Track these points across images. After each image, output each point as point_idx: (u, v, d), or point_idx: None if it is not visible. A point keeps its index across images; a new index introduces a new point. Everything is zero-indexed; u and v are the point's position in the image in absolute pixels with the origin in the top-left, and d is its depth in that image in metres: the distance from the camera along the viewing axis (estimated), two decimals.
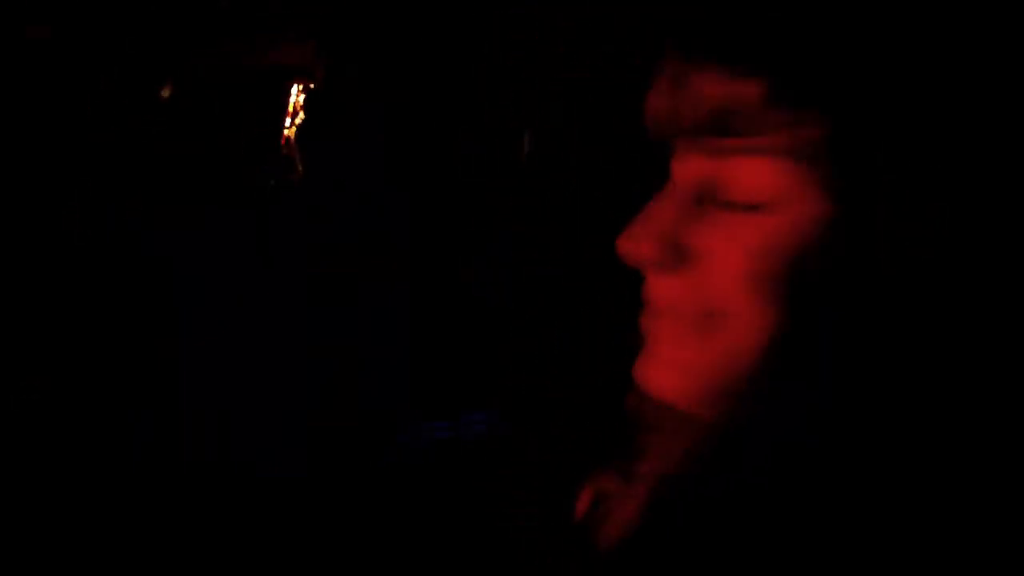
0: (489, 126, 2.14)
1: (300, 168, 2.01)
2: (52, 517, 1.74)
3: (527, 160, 2.06)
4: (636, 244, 0.60)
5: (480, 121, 2.12)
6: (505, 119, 2.22)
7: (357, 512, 1.81)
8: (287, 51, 2.02)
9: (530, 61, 2.18)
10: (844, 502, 0.66)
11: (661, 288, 0.61)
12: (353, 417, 1.95)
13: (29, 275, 1.88)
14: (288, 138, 2.01)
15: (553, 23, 2.16)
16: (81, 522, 1.75)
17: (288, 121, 2.00)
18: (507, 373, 1.96)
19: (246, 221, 1.99)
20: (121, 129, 1.94)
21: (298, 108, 2.01)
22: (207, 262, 1.97)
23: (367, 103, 2.09)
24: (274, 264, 2.02)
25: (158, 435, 1.86)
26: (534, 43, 2.20)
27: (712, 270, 0.59)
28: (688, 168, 0.60)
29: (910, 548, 0.64)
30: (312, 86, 2.02)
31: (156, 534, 1.74)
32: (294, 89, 2.01)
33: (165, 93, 1.93)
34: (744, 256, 0.57)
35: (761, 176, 0.57)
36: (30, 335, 1.86)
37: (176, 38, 1.97)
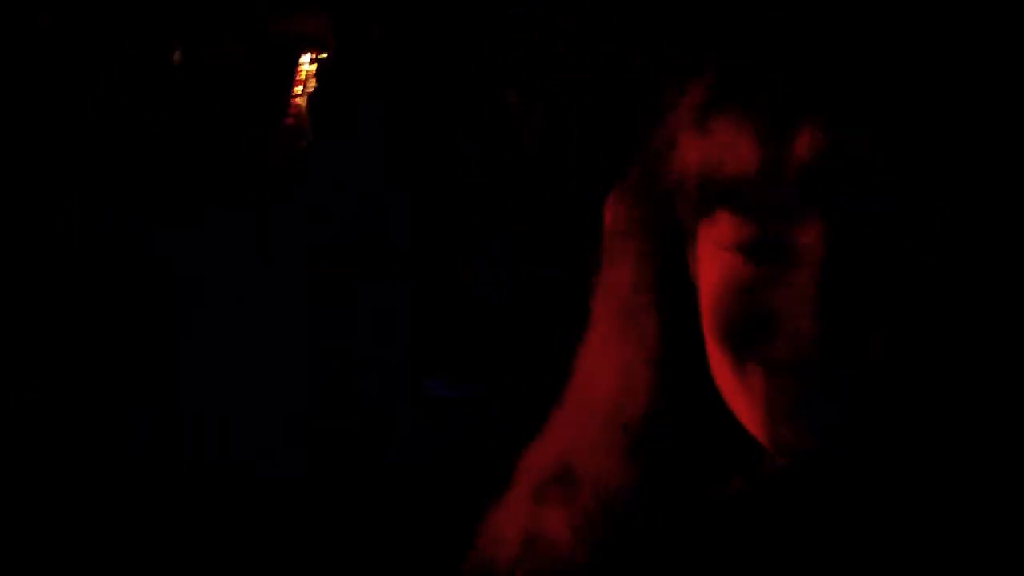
0: (489, 126, 2.14)
1: (310, 137, 2.00)
2: (52, 517, 1.74)
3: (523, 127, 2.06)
4: None
5: (480, 121, 2.12)
6: (505, 119, 2.22)
7: (357, 512, 1.81)
8: (300, 20, 2.01)
9: (530, 61, 2.18)
10: (840, 502, 0.67)
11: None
12: (353, 417, 1.95)
13: (29, 275, 1.88)
14: (298, 106, 2.00)
15: (553, 23, 2.16)
16: (81, 522, 1.75)
17: (300, 88, 1.99)
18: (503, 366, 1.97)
19: (246, 221, 1.99)
20: (121, 129, 1.94)
21: (309, 76, 2.00)
22: (207, 262, 1.97)
23: (367, 103, 2.09)
24: (274, 264, 2.02)
25: (158, 435, 1.86)
26: (534, 43, 2.20)
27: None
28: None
29: (910, 545, 0.65)
30: (325, 56, 2.01)
31: (156, 534, 1.74)
32: (306, 58, 2.01)
33: (176, 57, 1.93)
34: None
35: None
36: (30, 335, 1.86)
37: (178, 29, 1.97)
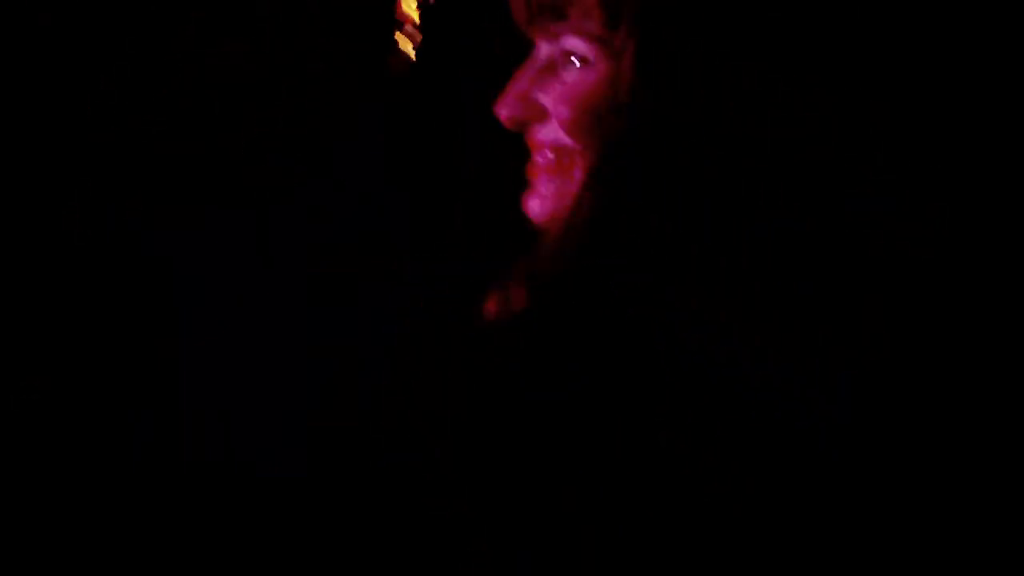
0: (490, 126, 2.13)
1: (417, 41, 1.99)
2: (52, 517, 1.74)
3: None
4: (503, 108, 0.80)
5: (481, 120, 2.12)
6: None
7: (357, 512, 1.81)
8: None
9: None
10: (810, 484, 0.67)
11: (532, 138, 0.81)
12: (353, 417, 1.95)
13: (29, 275, 1.88)
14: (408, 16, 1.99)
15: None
16: (81, 522, 1.75)
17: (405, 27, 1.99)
18: None
19: (246, 221, 1.99)
20: (121, 129, 1.95)
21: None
22: (207, 262, 1.97)
23: (367, 103, 2.09)
24: (274, 264, 2.02)
25: (158, 435, 1.86)
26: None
27: (556, 119, 0.78)
28: (540, 48, 0.81)
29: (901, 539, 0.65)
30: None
31: (156, 534, 1.74)
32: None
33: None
34: (569, 106, 0.77)
35: (578, 47, 0.77)
36: (30, 335, 1.86)
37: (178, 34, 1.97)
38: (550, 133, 0.80)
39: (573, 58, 0.78)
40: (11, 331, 1.86)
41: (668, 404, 0.72)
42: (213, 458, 1.87)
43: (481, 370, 0.80)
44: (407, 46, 2.08)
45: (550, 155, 0.80)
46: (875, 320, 0.65)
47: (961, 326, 0.66)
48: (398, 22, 2.07)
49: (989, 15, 0.68)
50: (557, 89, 0.79)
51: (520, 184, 0.88)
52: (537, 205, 0.82)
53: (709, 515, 0.69)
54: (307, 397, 1.97)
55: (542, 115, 0.81)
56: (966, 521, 0.67)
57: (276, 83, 2.05)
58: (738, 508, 0.68)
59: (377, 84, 2.09)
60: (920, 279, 0.66)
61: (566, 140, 0.79)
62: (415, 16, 2.08)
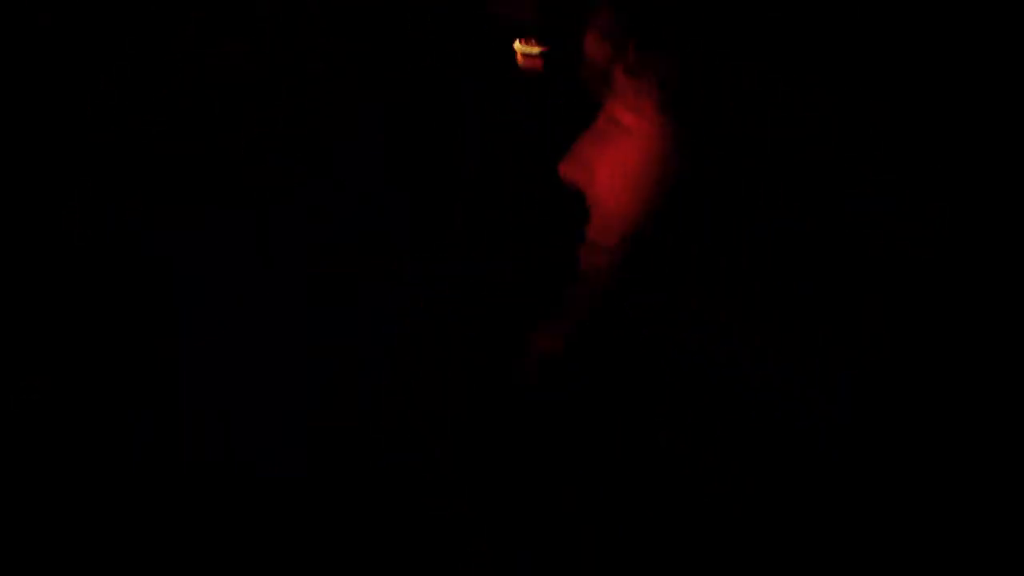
0: (491, 125, 2.14)
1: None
2: (52, 517, 1.75)
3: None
4: (567, 169, 0.85)
5: (482, 120, 2.13)
6: (507, 118, 2.23)
7: (357, 512, 1.82)
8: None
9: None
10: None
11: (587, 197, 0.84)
12: (353, 417, 1.95)
13: (29, 275, 1.89)
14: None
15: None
16: (81, 522, 1.75)
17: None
18: None
19: (246, 221, 2.00)
20: (121, 129, 1.95)
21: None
22: (207, 262, 1.97)
23: (367, 103, 2.09)
24: (274, 264, 2.03)
25: (157, 435, 1.86)
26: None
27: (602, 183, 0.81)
28: (601, 112, 0.84)
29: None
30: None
31: (155, 534, 1.74)
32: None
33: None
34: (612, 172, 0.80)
35: (623, 117, 0.80)
36: (30, 335, 1.86)
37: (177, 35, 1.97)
38: (600, 195, 0.85)
39: (621, 124, 0.83)
40: (11, 331, 1.86)
41: (668, 404, 0.73)
42: (213, 458, 1.87)
43: (481, 370, 0.81)
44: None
45: (599, 214, 0.85)
46: (875, 320, 0.66)
47: (960, 325, 0.66)
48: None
49: (989, 15, 0.68)
50: (607, 153, 0.84)
51: (520, 182, 0.91)
52: (590, 256, 0.86)
53: (709, 515, 0.69)
54: (307, 396, 1.97)
55: (592, 176, 0.86)
56: (965, 519, 0.67)
57: (276, 83, 2.05)
58: (738, 508, 0.68)
59: (377, 84, 2.10)
60: (920, 279, 0.66)
61: (605, 203, 0.84)
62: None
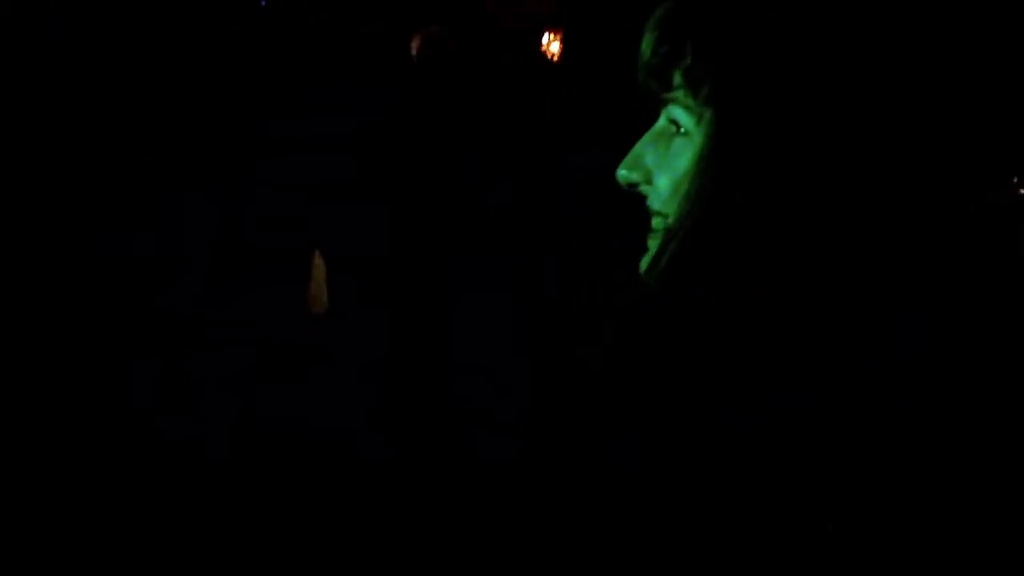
0: (483, 137, 2.14)
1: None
2: (52, 517, 1.74)
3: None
4: (622, 169, 0.83)
5: (476, 132, 2.12)
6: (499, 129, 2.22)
7: (357, 511, 1.82)
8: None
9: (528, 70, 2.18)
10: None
11: (643, 202, 0.84)
12: (354, 416, 1.95)
13: (29, 275, 1.88)
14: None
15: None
16: (81, 522, 1.75)
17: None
18: None
19: (242, 220, 2.00)
20: (121, 129, 1.95)
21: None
22: (201, 262, 1.98)
23: (368, 102, 2.09)
24: (268, 263, 2.03)
25: (158, 434, 1.86)
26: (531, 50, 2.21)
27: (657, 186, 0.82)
28: (660, 113, 0.84)
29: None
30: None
31: (156, 533, 1.74)
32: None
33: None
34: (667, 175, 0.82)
35: (680, 118, 0.80)
36: (30, 335, 1.86)
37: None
38: (655, 198, 0.83)
39: (679, 127, 0.81)
40: (11, 331, 1.86)
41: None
42: (213, 458, 1.88)
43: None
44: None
45: (660, 220, 0.83)
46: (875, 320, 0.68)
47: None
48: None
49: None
50: (663, 156, 0.83)
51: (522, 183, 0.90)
52: (646, 263, 0.83)
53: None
54: (306, 396, 1.97)
55: (649, 180, 0.84)
56: (963, 519, 0.69)
57: (273, 82, 2.05)
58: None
59: (377, 83, 2.10)
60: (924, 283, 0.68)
61: (663, 207, 0.82)
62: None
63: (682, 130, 0.81)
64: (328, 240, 2.07)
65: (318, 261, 2.04)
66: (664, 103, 0.82)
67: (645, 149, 0.84)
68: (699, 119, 0.79)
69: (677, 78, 0.79)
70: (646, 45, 0.81)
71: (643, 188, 0.83)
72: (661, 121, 0.83)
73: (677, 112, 0.80)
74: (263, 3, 1.99)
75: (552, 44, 2.06)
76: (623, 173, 0.84)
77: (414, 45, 2.02)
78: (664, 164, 0.82)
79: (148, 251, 1.97)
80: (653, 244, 0.81)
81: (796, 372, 0.70)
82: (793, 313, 0.71)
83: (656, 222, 0.83)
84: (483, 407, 1.85)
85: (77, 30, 1.98)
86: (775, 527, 0.69)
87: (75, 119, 1.99)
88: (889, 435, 0.67)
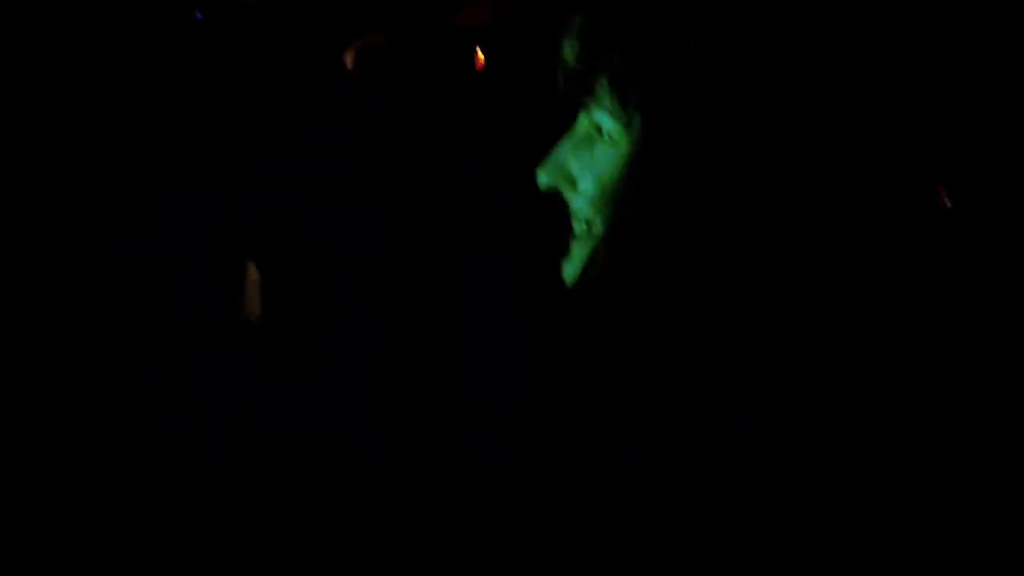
0: (485, 138, 2.15)
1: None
2: (52, 517, 1.75)
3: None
4: (543, 174, 0.84)
5: (476, 134, 2.13)
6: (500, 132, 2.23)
7: (356, 511, 1.82)
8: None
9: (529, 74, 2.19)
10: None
11: (565, 206, 0.84)
12: (353, 416, 1.96)
13: (29, 275, 1.89)
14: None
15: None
16: (81, 522, 1.75)
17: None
18: None
19: (241, 220, 2.00)
20: (121, 129, 1.95)
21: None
22: (201, 264, 1.98)
23: (368, 101, 2.09)
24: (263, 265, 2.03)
25: (158, 434, 1.86)
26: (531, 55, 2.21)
27: (583, 191, 0.82)
28: (580, 118, 0.83)
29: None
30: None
31: (154, 534, 1.75)
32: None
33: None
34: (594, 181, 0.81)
35: (605, 123, 0.80)
36: (30, 335, 1.86)
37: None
38: (579, 203, 0.83)
39: (603, 133, 0.81)
40: (11, 331, 1.86)
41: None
42: (213, 458, 1.88)
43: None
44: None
45: (581, 225, 0.84)
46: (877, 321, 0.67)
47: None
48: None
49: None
50: (587, 162, 0.82)
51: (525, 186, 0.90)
52: (571, 268, 0.84)
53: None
54: (306, 396, 1.97)
55: (573, 184, 0.84)
56: (961, 519, 0.69)
57: (270, 82, 2.05)
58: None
59: (377, 83, 2.10)
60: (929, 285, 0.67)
61: (588, 213, 0.83)
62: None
63: (605, 136, 0.80)
64: (328, 240, 2.07)
65: (252, 270, 2.03)
66: (584, 107, 0.81)
67: (566, 154, 0.83)
68: (627, 125, 0.79)
69: (602, 84, 0.79)
70: (568, 52, 0.80)
71: (566, 194, 0.82)
72: (582, 125, 0.83)
73: (601, 117, 0.80)
74: (199, 16, 1.99)
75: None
76: (544, 179, 0.84)
77: (348, 60, 2.02)
78: (589, 170, 0.82)
79: (148, 251, 1.97)
80: (577, 249, 0.81)
81: (796, 372, 0.70)
82: (793, 313, 0.71)
83: (579, 227, 0.83)
84: (483, 407, 1.84)
85: (77, 30, 1.98)
86: (775, 527, 0.69)
87: (75, 119, 1.99)
88: (889, 435, 0.67)
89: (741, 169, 0.75)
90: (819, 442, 0.70)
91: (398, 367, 2.02)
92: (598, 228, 0.81)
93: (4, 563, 1.69)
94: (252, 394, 1.96)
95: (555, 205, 0.85)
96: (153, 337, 1.95)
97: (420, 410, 1.96)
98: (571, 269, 0.84)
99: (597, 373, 0.85)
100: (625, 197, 0.78)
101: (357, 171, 2.05)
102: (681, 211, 0.77)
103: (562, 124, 0.84)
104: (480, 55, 2.07)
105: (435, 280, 2.04)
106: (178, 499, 1.80)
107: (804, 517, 0.71)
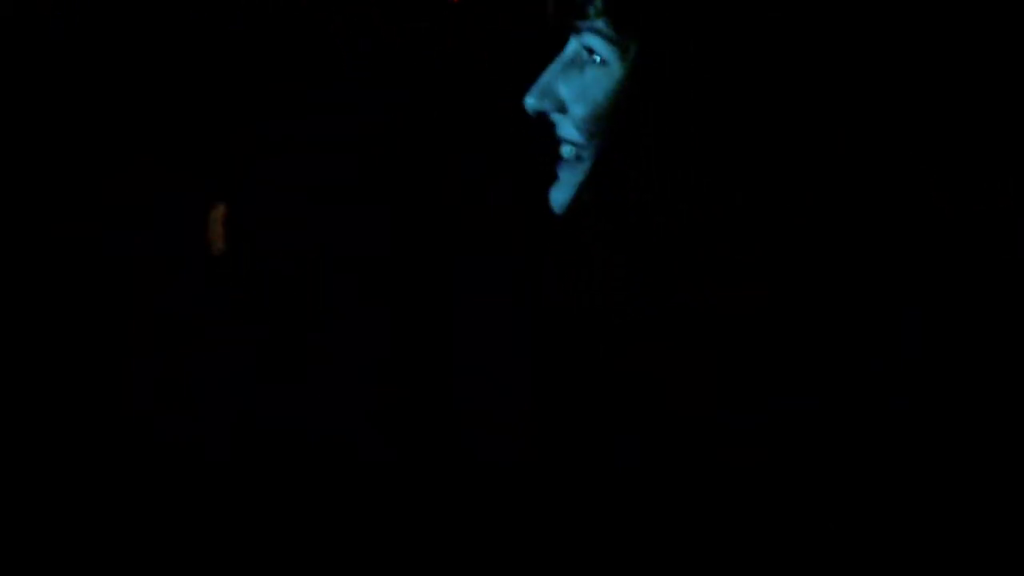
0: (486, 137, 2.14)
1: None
2: (52, 517, 1.75)
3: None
4: (530, 98, 0.82)
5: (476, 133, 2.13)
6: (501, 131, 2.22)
7: (356, 511, 1.82)
8: None
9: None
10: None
11: (554, 132, 0.83)
12: (353, 415, 1.96)
13: (29, 275, 1.88)
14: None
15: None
16: (81, 522, 1.75)
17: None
18: None
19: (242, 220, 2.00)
20: (121, 129, 1.95)
21: None
22: (200, 265, 1.98)
23: (368, 102, 2.09)
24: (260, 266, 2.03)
25: (158, 434, 1.86)
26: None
27: (573, 115, 0.81)
28: (568, 43, 0.82)
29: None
30: None
31: (157, 534, 1.75)
32: None
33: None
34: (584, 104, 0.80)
35: (597, 46, 0.79)
36: (29, 335, 1.86)
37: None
38: (569, 128, 0.82)
39: (594, 56, 0.80)
40: (10, 331, 1.86)
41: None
42: (214, 458, 1.88)
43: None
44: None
45: (570, 149, 0.83)
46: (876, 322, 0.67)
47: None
48: None
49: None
50: (577, 85, 0.81)
51: (534, 176, 0.89)
52: (560, 195, 0.83)
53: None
54: (306, 396, 1.97)
55: (562, 109, 0.82)
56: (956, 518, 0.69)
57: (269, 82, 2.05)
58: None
59: (377, 83, 2.10)
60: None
61: (579, 137, 0.81)
62: None
63: (597, 59, 0.80)
64: (328, 240, 2.07)
65: (218, 206, 2.02)
66: (575, 30, 0.81)
67: (555, 77, 0.82)
68: (622, 50, 0.78)
69: (596, 5, 0.78)
70: None
71: (554, 116, 0.82)
72: (571, 48, 0.82)
73: (593, 40, 0.79)
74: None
75: None
76: (531, 102, 0.82)
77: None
78: (579, 93, 0.80)
79: (148, 251, 1.97)
80: (566, 175, 0.81)
81: (796, 372, 0.70)
82: (793, 313, 0.71)
83: (566, 150, 0.82)
84: (483, 407, 1.84)
85: (77, 30, 1.98)
86: (775, 527, 0.69)
87: (75, 119, 1.99)
88: (889, 435, 0.67)
89: (741, 169, 0.74)
90: (819, 442, 0.70)
91: (398, 367, 2.02)
92: (588, 153, 0.80)
93: (4, 563, 1.68)
94: (252, 394, 1.96)
95: (543, 131, 0.84)
96: (153, 337, 1.95)
97: (420, 410, 1.96)
98: (560, 196, 0.83)
99: (597, 373, 0.84)
100: (617, 120, 0.77)
101: (357, 171, 2.05)
102: (681, 210, 0.77)
103: (551, 50, 0.83)
104: None
105: (435, 280, 2.04)
106: (178, 498, 1.80)
107: (804, 517, 0.71)
